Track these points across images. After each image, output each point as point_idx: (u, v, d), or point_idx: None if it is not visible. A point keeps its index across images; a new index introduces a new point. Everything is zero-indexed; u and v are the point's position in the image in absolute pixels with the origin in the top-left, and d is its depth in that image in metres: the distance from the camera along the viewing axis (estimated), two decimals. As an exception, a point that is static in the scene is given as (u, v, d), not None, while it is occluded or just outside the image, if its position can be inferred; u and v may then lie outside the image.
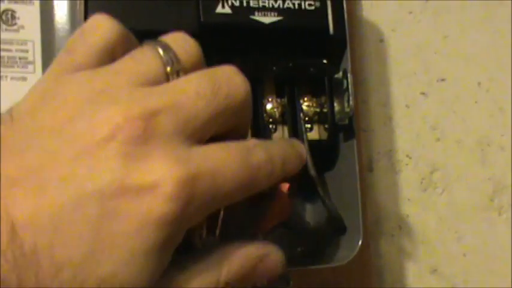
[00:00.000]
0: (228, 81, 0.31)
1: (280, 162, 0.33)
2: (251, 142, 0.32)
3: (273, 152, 0.33)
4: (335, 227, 0.46)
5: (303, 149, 0.37)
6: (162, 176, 0.27)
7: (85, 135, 0.27)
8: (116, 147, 0.27)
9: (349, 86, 0.44)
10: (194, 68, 0.32)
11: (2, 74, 0.41)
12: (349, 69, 0.45)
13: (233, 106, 0.31)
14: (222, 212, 0.46)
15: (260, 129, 0.46)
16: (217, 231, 0.47)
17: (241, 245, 0.33)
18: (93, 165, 0.27)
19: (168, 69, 0.31)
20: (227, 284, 0.31)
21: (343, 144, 0.47)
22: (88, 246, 0.26)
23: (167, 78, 0.31)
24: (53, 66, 0.31)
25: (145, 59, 0.31)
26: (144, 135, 0.27)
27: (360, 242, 0.45)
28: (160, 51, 0.31)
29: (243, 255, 0.32)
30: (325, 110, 0.47)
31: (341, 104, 0.46)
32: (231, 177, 0.29)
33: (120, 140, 0.27)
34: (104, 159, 0.27)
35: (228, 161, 0.30)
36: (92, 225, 0.26)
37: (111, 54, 0.31)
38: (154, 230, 0.27)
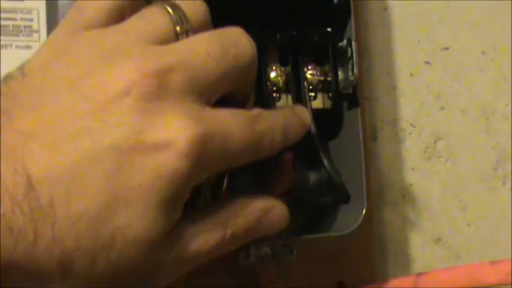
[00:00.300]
0: (236, 41, 0.32)
1: (282, 130, 0.34)
2: (255, 111, 0.33)
3: (276, 121, 0.34)
4: (338, 196, 0.47)
5: (306, 115, 0.38)
6: (177, 133, 0.28)
7: (99, 91, 0.28)
8: (131, 102, 0.27)
9: (354, 55, 0.44)
10: (202, 27, 0.32)
11: (6, 42, 0.41)
12: (353, 37, 0.45)
13: (241, 66, 0.32)
14: (226, 180, 0.47)
15: (264, 97, 0.46)
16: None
17: (247, 199, 0.34)
18: (108, 120, 0.27)
19: (178, 28, 0.31)
20: (233, 237, 0.32)
21: (347, 113, 0.47)
22: (104, 198, 0.27)
23: (176, 37, 0.31)
24: (63, 23, 0.31)
25: (155, 18, 0.31)
26: (158, 91, 0.28)
27: (364, 211, 0.45)
28: (170, 10, 0.31)
29: (248, 209, 0.33)
30: (329, 79, 0.47)
31: (345, 72, 0.46)
32: (238, 141, 0.30)
33: (135, 95, 0.27)
34: (119, 114, 0.27)
35: (236, 125, 0.31)
36: (108, 178, 0.27)
37: (120, 14, 0.32)
38: (167, 184, 0.28)
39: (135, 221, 0.27)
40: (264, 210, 0.35)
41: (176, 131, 0.28)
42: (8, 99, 0.28)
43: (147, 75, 0.28)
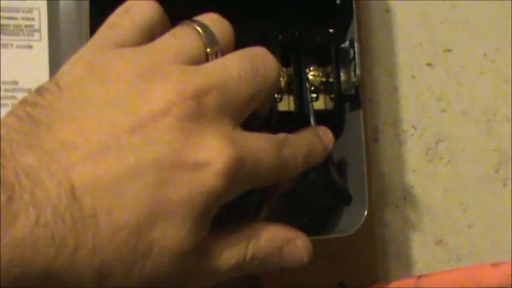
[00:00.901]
0: (264, 62, 0.33)
1: (304, 156, 0.36)
2: (282, 136, 0.34)
3: (300, 147, 0.35)
4: (340, 197, 0.47)
5: (329, 137, 0.40)
6: (215, 154, 0.29)
7: (140, 108, 0.29)
8: (171, 121, 0.29)
9: (356, 56, 0.44)
10: (229, 48, 0.33)
11: (7, 42, 0.41)
12: (355, 38, 0.45)
13: (268, 87, 0.33)
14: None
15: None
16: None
17: (271, 224, 0.35)
18: (151, 136, 0.28)
19: (209, 49, 0.32)
20: (253, 258, 0.33)
21: (349, 114, 0.47)
22: (145, 211, 0.28)
23: (206, 58, 0.32)
24: (95, 39, 0.33)
25: (187, 38, 0.32)
26: (196, 112, 0.29)
27: (366, 213, 0.45)
28: (200, 31, 0.33)
29: (271, 234, 0.34)
30: (331, 80, 0.47)
31: (347, 73, 0.46)
32: (266, 164, 0.32)
33: (175, 115, 0.29)
34: (160, 132, 0.28)
35: (265, 149, 0.32)
36: (150, 192, 0.28)
37: (152, 33, 0.33)
38: (204, 200, 0.29)
39: (171, 233, 0.29)
40: (287, 239, 0.36)
41: (214, 151, 0.29)
42: (47, 111, 0.29)
43: (186, 96, 0.29)
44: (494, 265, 0.40)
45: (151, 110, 0.29)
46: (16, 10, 0.41)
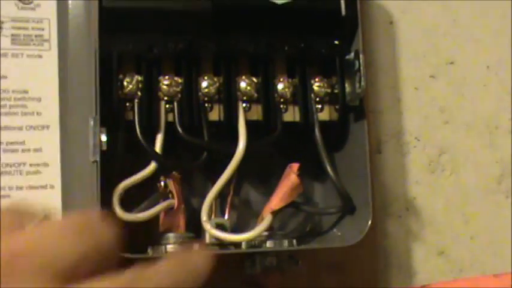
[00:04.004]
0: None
1: None
2: (131, 273, 0.30)
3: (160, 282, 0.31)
4: (344, 207, 0.47)
5: (203, 257, 0.32)
6: None
7: None
8: None
9: (361, 67, 0.44)
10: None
11: (18, 51, 0.41)
12: (360, 50, 0.45)
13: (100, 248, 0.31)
14: (231, 190, 0.47)
15: (271, 109, 0.46)
16: (227, 210, 0.47)
17: None
18: None
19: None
20: None
21: (353, 125, 0.47)
22: None
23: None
24: None
25: None
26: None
27: (369, 223, 0.45)
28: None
29: None
30: (336, 91, 0.47)
31: (352, 85, 0.46)
32: None
33: None
34: None
35: None
36: None
37: None
38: None
39: None
40: None
41: None
42: None
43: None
44: (496, 276, 0.41)
45: None
46: (27, 20, 0.42)
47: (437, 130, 0.55)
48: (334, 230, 0.49)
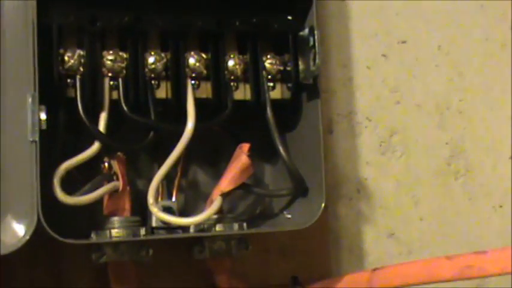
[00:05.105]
0: None
1: None
2: None
3: None
4: (296, 189, 0.46)
5: None
6: None
7: None
8: None
9: (316, 44, 0.44)
10: None
11: None
12: (315, 26, 0.44)
13: None
14: (179, 172, 0.46)
15: (221, 86, 0.45)
16: (174, 192, 0.46)
17: None
18: None
19: None
20: None
21: (306, 104, 0.47)
22: None
23: None
24: None
25: None
26: None
27: (323, 205, 0.45)
28: None
29: None
30: (288, 69, 0.46)
31: (305, 62, 0.45)
32: None
33: None
34: None
35: None
36: None
37: None
38: None
39: None
40: None
41: None
42: None
43: None
44: (449, 258, 0.40)
45: None
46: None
47: (389, 110, 0.55)
48: (285, 212, 0.48)
